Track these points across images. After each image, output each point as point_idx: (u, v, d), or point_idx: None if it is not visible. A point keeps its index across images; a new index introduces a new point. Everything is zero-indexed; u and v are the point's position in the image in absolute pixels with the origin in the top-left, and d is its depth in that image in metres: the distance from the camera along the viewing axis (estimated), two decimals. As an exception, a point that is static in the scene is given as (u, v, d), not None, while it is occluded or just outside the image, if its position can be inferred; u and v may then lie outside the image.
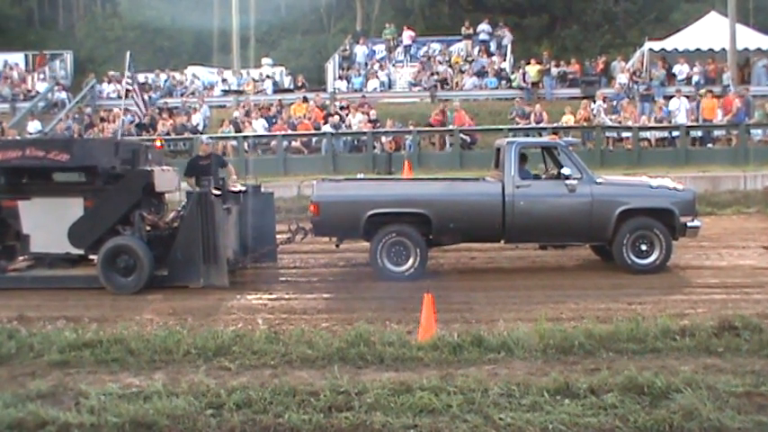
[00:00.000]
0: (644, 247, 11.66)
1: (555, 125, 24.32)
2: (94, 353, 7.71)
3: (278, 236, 12.89)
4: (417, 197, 11.95)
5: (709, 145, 23.73)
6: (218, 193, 11.54)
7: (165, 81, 33.24)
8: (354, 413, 6.06)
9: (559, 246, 12.76)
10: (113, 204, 11.62)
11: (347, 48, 35.40)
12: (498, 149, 12.64)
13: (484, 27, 34.57)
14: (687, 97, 24.86)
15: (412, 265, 11.68)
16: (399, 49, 34.57)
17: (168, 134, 25.82)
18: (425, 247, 11.78)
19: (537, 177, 12.40)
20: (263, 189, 13.43)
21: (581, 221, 11.73)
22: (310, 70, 38.18)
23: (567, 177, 11.71)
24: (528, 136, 22.70)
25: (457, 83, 31.08)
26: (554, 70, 30.63)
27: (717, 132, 24.04)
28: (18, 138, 26.85)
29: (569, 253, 13.48)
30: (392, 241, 11.66)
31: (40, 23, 51.65)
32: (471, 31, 34.39)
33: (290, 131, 25.41)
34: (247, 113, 27.36)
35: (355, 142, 25.39)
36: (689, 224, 11.82)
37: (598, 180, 11.93)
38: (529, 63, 30.99)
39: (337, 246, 12.69)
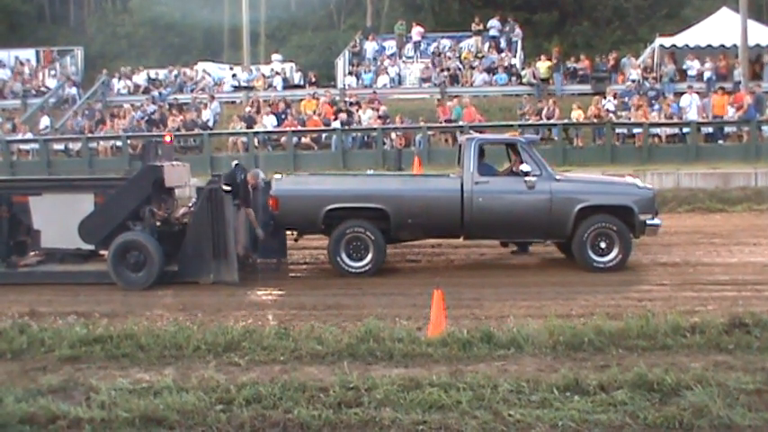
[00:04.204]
0: (603, 245, 11.63)
1: (565, 121, 24.30)
2: (105, 348, 7.74)
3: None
4: (375, 192, 11.94)
5: (720, 141, 23.63)
6: (228, 189, 11.56)
7: (176, 77, 33.30)
8: (364, 409, 6.06)
9: (521, 243, 12.76)
10: (123, 200, 11.66)
11: (357, 44, 35.38)
12: (460, 146, 12.62)
13: (494, 23, 34.49)
14: (698, 94, 24.75)
15: (370, 260, 11.72)
16: (409, 45, 34.52)
17: (179, 130, 25.88)
18: (384, 242, 11.80)
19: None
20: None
21: (540, 218, 11.71)
22: (320, 66, 38.21)
23: (526, 174, 11.68)
24: (537, 133, 22.69)
25: (467, 79, 31.01)
26: (563, 66, 30.57)
27: (728, 129, 23.93)
28: (30, 133, 27.11)
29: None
30: (350, 236, 11.71)
31: (51, 19, 51.83)
32: (481, 27, 34.31)
33: (299, 127, 25.44)
34: (257, 110, 27.39)
35: (365, 138, 25.39)
36: (648, 222, 11.73)
37: (557, 177, 11.90)
38: (539, 59, 30.94)
39: (296, 240, 12.75)
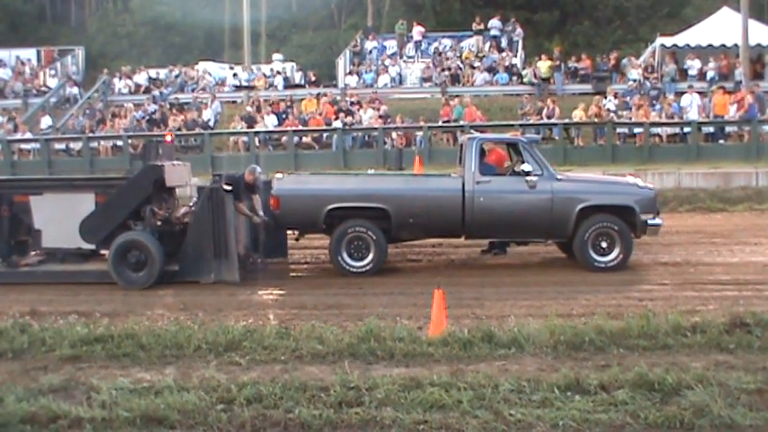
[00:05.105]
0: (604, 245, 11.61)
1: (566, 121, 24.30)
2: (106, 348, 7.74)
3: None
4: (377, 192, 11.94)
5: (721, 141, 23.61)
6: (228, 188, 11.55)
7: (177, 77, 33.30)
8: (365, 408, 6.06)
9: (521, 243, 12.79)
10: (124, 199, 11.66)
11: (358, 43, 35.38)
12: (461, 146, 12.62)
13: (495, 23, 34.51)
14: (699, 93, 24.74)
15: (371, 260, 11.73)
16: (410, 45, 34.54)
17: (179, 130, 25.89)
18: (385, 242, 11.81)
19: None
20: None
21: (541, 218, 11.70)
22: (321, 66, 38.26)
23: (528, 174, 11.67)
24: (538, 133, 22.68)
25: (468, 79, 31.00)
26: (564, 66, 30.57)
27: (729, 128, 23.91)
28: (30, 133, 27.12)
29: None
30: (351, 236, 11.71)
31: (52, 19, 51.88)
32: (482, 26, 34.34)
33: (300, 127, 25.44)
34: (258, 109, 27.40)
35: (366, 138, 25.39)
36: (650, 222, 11.71)
37: (558, 177, 11.89)
38: (540, 59, 30.93)
39: (297, 240, 12.74)
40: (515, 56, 32.57)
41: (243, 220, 12.06)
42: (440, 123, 25.55)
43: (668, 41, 29.64)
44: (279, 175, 12.34)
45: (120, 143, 25.84)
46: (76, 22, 52.55)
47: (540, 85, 29.38)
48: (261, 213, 12.19)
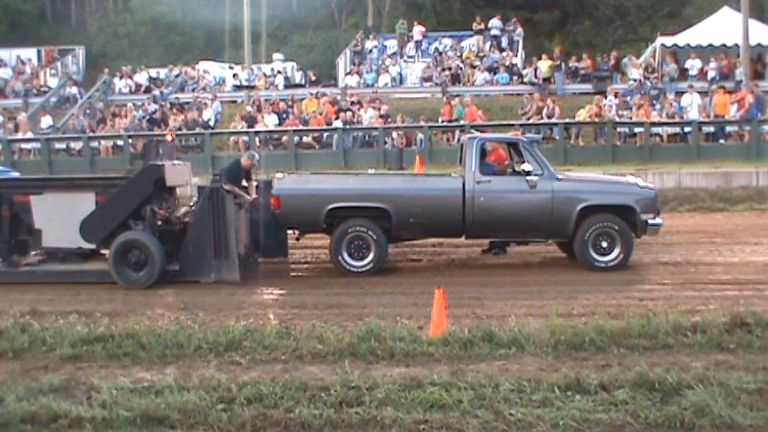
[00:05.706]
0: (604, 244, 11.62)
1: (567, 120, 24.27)
2: (106, 347, 7.74)
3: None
4: (377, 191, 11.96)
5: (722, 141, 23.59)
6: (228, 188, 11.55)
7: (177, 76, 33.30)
8: (365, 408, 6.06)
9: (521, 242, 12.79)
10: (125, 199, 11.66)
11: (358, 43, 35.38)
12: (462, 145, 12.62)
13: (495, 22, 34.50)
14: (700, 93, 24.72)
15: (372, 259, 11.74)
16: (410, 45, 34.54)
17: (180, 129, 25.90)
18: (385, 241, 11.83)
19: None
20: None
21: (542, 218, 11.71)
22: (321, 65, 38.23)
23: (528, 173, 11.68)
24: (539, 132, 22.67)
25: (468, 78, 30.99)
26: (565, 66, 30.56)
27: (729, 128, 23.89)
28: (31, 132, 27.12)
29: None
30: (352, 236, 11.73)
31: (52, 19, 51.89)
32: (483, 26, 34.33)
33: (301, 127, 25.43)
34: (258, 109, 27.40)
35: (366, 137, 25.37)
36: (650, 221, 11.71)
37: (559, 176, 11.90)
38: (540, 58, 30.92)
39: (298, 239, 12.76)
40: (516, 55, 32.56)
41: (243, 220, 12.06)
42: (440, 123, 25.56)
43: (669, 41, 29.64)
44: (279, 175, 12.34)
45: (120, 143, 25.85)
46: (77, 21, 52.54)
47: (541, 85, 29.35)
48: (254, 195, 12.26)
